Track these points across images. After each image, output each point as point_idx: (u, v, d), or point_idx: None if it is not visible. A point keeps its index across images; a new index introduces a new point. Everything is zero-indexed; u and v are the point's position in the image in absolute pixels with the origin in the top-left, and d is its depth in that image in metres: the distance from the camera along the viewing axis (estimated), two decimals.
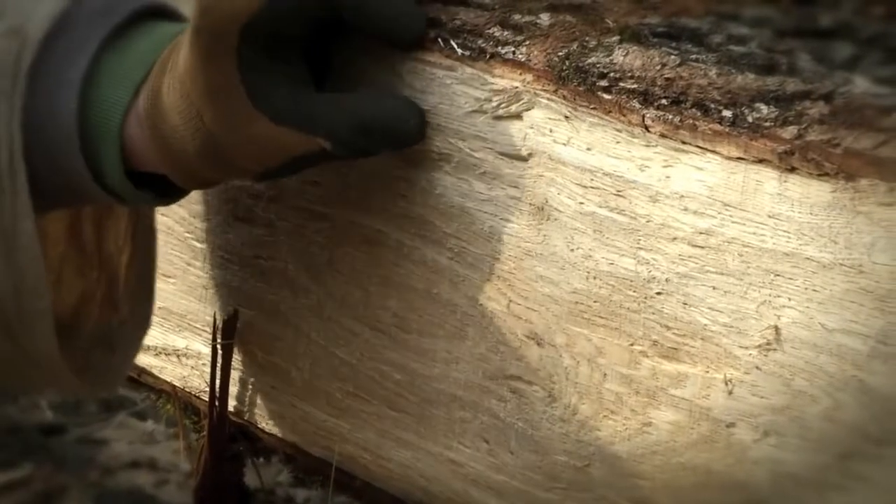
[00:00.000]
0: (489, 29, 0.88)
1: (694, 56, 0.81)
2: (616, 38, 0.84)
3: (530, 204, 0.86)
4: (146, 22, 0.91)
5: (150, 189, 0.92)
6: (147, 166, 0.90)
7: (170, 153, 0.88)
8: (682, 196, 0.80)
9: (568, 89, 0.83)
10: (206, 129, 0.86)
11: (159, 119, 0.88)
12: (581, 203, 0.84)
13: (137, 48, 0.90)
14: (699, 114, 0.79)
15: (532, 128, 0.85)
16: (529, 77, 0.85)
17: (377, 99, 0.88)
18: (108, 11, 0.89)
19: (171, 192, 0.93)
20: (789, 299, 0.76)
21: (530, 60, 0.85)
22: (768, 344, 0.77)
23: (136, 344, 1.04)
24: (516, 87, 0.86)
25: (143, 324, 1.04)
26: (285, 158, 0.87)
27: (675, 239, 0.80)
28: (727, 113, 0.78)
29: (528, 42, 0.86)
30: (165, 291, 1.07)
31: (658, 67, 0.81)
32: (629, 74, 0.81)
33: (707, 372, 0.80)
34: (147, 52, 0.90)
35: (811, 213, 0.75)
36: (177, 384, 1.09)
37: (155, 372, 1.10)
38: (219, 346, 1.03)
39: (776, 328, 0.77)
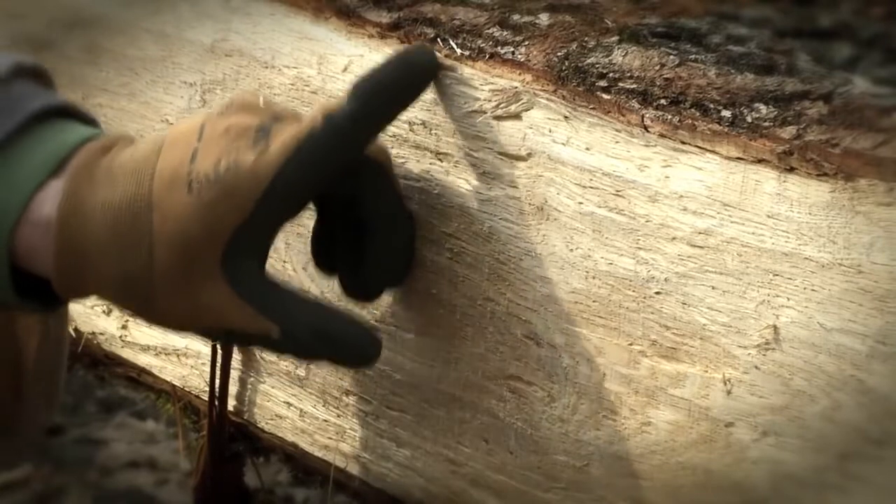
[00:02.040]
0: (488, 29, 0.88)
1: (693, 56, 0.81)
2: (615, 38, 0.84)
3: (529, 204, 0.86)
4: (49, 123, 0.87)
5: (34, 292, 0.88)
6: (36, 270, 0.86)
7: (77, 266, 0.85)
8: (682, 196, 0.80)
9: (567, 89, 0.83)
10: (150, 265, 0.83)
11: (79, 229, 0.84)
12: (580, 203, 0.84)
13: (38, 152, 0.86)
14: (698, 114, 0.79)
15: (531, 128, 0.85)
16: (529, 77, 0.85)
17: (341, 314, 0.87)
18: (6, 112, 0.86)
19: (54, 298, 0.89)
20: (788, 299, 0.76)
21: (529, 60, 0.85)
22: (767, 343, 0.77)
23: (38, 429, 1.04)
24: (516, 87, 0.86)
25: (49, 408, 1.04)
26: (222, 329, 0.85)
27: (674, 239, 0.80)
28: (726, 113, 0.78)
29: (527, 42, 0.86)
30: None
31: (657, 67, 0.81)
32: (628, 74, 0.82)
33: (706, 371, 0.80)
34: (48, 158, 0.85)
35: (810, 213, 0.75)
36: (176, 384, 1.09)
37: (155, 371, 1.10)
38: (218, 346, 1.03)
39: (775, 328, 0.77)
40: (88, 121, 0.90)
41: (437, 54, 0.88)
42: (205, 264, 0.82)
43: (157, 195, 0.83)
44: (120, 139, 0.87)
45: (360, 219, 0.88)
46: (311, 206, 0.89)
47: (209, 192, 0.82)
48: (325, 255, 0.91)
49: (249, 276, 0.83)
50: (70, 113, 0.89)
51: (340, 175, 0.85)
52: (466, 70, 0.88)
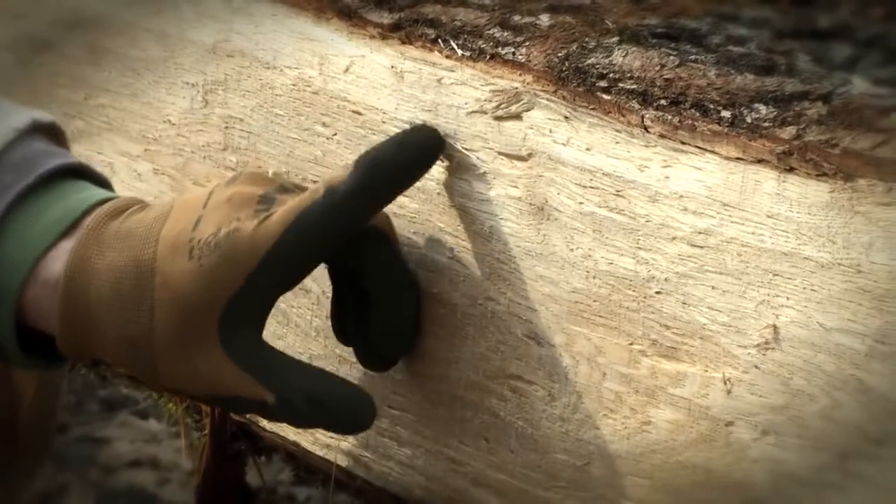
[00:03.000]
0: (489, 30, 0.88)
1: (693, 57, 0.81)
2: (615, 38, 0.84)
3: (530, 204, 0.86)
4: (62, 182, 0.88)
5: (38, 350, 0.89)
6: (42, 329, 0.87)
7: (81, 327, 0.85)
8: (682, 196, 0.80)
9: (567, 90, 0.84)
10: (151, 329, 0.83)
11: (85, 290, 0.85)
12: (581, 203, 0.84)
13: (50, 212, 0.87)
14: (698, 114, 0.79)
15: (532, 128, 0.85)
16: (529, 78, 0.85)
17: (335, 380, 0.87)
18: (21, 169, 0.87)
19: (58, 357, 0.89)
20: (788, 299, 0.76)
21: (530, 61, 0.85)
22: (767, 343, 0.77)
23: (32, 476, 1.04)
24: (516, 88, 0.86)
25: (40, 460, 1.04)
26: (218, 395, 0.85)
27: (674, 239, 0.80)
28: (726, 113, 0.78)
29: (527, 43, 0.86)
30: None
31: (657, 68, 0.81)
32: (628, 75, 0.82)
33: (706, 371, 0.80)
34: (60, 219, 0.86)
35: (809, 213, 0.75)
36: None
37: None
38: None
39: (775, 327, 0.77)
40: (101, 181, 0.91)
41: (441, 136, 0.88)
42: (202, 330, 0.83)
43: (160, 260, 0.84)
44: (132, 203, 0.88)
45: (365, 289, 0.88)
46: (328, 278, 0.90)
47: (208, 258, 0.83)
48: (340, 327, 0.92)
49: (246, 343, 0.84)
50: (83, 173, 0.90)
51: (342, 245, 0.86)
52: (467, 70, 0.88)
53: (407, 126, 0.90)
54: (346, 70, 0.94)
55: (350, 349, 0.93)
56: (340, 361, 0.96)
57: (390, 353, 0.91)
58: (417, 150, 0.87)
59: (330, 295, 0.95)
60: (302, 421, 0.86)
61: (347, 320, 0.91)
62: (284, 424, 1.02)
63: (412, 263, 0.91)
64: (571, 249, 0.84)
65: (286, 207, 0.84)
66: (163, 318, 0.83)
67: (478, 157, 0.88)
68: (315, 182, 0.96)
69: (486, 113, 0.87)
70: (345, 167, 0.85)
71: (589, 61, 0.83)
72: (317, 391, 0.85)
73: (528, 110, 0.86)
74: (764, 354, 0.77)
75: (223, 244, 0.83)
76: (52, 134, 0.91)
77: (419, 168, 0.87)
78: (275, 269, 0.83)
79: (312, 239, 0.83)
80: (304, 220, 0.83)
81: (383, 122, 0.92)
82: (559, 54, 0.84)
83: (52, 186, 0.88)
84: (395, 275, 0.89)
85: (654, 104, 0.80)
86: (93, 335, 0.85)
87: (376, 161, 0.85)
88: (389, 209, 0.89)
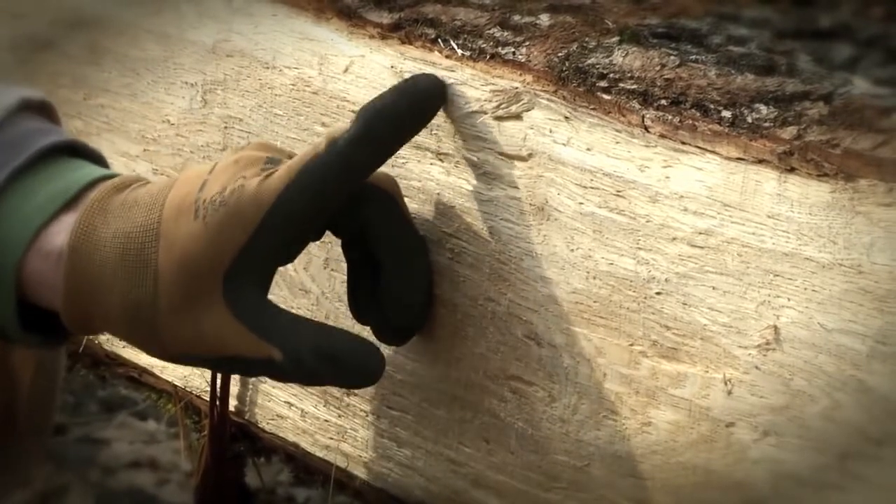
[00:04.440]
0: (489, 30, 0.88)
1: (693, 57, 0.81)
2: (616, 38, 0.84)
3: (530, 204, 0.86)
4: (57, 160, 0.88)
5: (38, 328, 0.88)
6: (43, 302, 0.87)
7: (85, 296, 0.85)
8: (682, 196, 0.80)
9: (568, 90, 0.84)
10: (154, 293, 0.83)
11: (90, 259, 0.84)
12: (581, 203, 0.84)
13: (47, 188, 0.86)
14: (699, 114, 0.79)
15: (532, 128, 0.85)
16: (529, 77, 0.85)
17: (343, 333, 0.86)
18: (14, 148, 0.86)
19: (59, 333, 0.89)
20: (788, 299, 0.76)
21: (530, 61, 0.85)
22: (767, 344, 0.77)
23: (30, 464, 1.04)
24: (516, 88, 0.86)
25: (43, 440, 1.04)
26: (223, 355, 0.84)
27: (674, 239, 0.80)
28: (727, 113, 0.78)
29: (528, 43, 0.86)
30: None
31: (658, 68, 0.81)
32: (629, 75, 0.82)
33: (706, 372, 0.80)
34: (58, 193, 0.86)
35: (810, 214, 0.75)
36: (178, 384, 1.10)
37: (156, 372, 1.10)
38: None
39: (775, 328, 0.77)
40: (96, 157, 0.91)
41: (445, 81, 0.88)
42: (207, 288, 0.83)
43: (164, 223, 0.84)
44: (137, 178, 0.88)
45: (374, 255, 0.88)
46: (342, 257, 0.89)
47: (213, 216, 0.82)
48: (355, 304, 0.91)
49: (251, 301, 0.83)
50: (78, 150, 0.90)
51: (347, 203, 0.85)
52: (467, 70, 0.88)
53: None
54: (346, 70, 0.94)
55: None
56: None
57: (404, 322, 0.89)
58: (419, 97, 0.86)
59: (329, 296, 0.94)
60: (311, 377, 0.86)
61: (361, 295, 0.90)
62: (285, 424, 1.02)
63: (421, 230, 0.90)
64: (572, 250, 0.84)
65: (289, 163, 0.83)
66: (167, 278, 0.83)
67: (478, 157, 0.88)
68: None
69: (486, 113, 0.87)
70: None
71: (589, 61, 0.83)
72: (326, 345, 0.84)
73: (528, 110, 0.85)
74: (765, 355, 0.77)
75: (228, 201, 0.82)
76: (44, 111, 0.91)
77: (422, 115, 0.87)
78: (280, 224, 0.83)
79: (316, 191, 0.83)
80: (307, 173, 0.82)
81: None
82: (559, 54, 0.84)
83: (47, 164, 0.87)
84: (404, 237, 0.88)
85: (655, 104, 0.80)
86: (97, 304, 0.85)
87: (378, 110, 0.84)
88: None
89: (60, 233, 0.85)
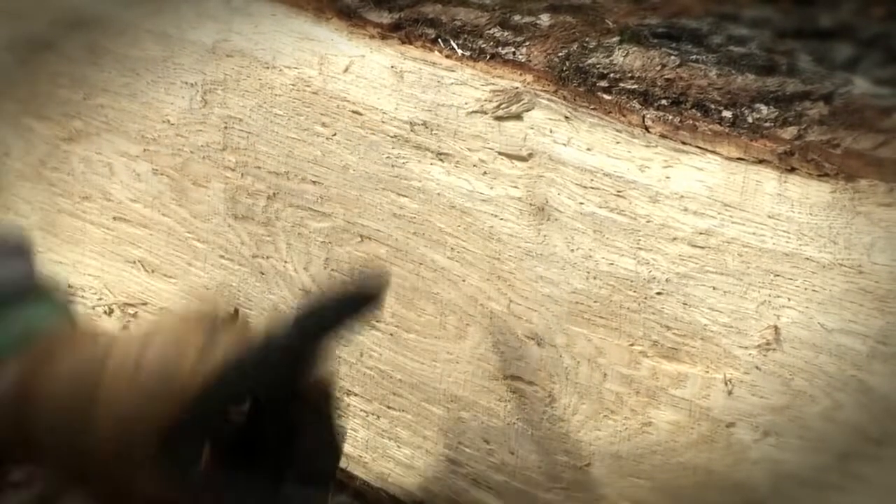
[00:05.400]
0: (489, 30, 0.88)
1: (694, 57, 0.81)
2: (616, 38, 0.84)
3: (530, 204, 0.86)
4: None
5: None
6: None
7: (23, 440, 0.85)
8: (682, 196, 0.80)
9: (568, 90, 0.84)
10: (94, 445, 0.83)
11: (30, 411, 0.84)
12: (581, 203, 0.84)
13: None
14: (699, 114, 0.79)
15: (532, 128, 0.85)
16: (530, 77, 0.85)
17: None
18: None
19: None
20: (789, 299, 0.76)
21: (530, 61, 0.85)
22: (768, 344, 0.77)
23: None
24: (516, 88, 0.86)
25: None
26: None
27: (675, 239, 0.80)
28: (727, 113, 0.78)
29: (528, 43, 0.86)
30: (166, 291, 1.08)
31: (658, 68, 0.81)
32: (629, 75, 0.82)
33: (707, 372, 0.80)
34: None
35: (811, 214, 0.75)
36: None
37: None
38: None
39: (776, 328, 0.77)
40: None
41: (384, 282, 0.83)
42: (140, 452, 0.82)
43: (107, 377, 0.83)
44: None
45: (288, 445, 0.85)
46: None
47: (149, 381, 0.82)
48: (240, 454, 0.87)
49: (185, 468, 0.82)
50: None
51: (278, 397, 0.83)
52: (467, 70, 0.88)
53: (407, 125, 0.90)
54: (346, 70, 0.94)
55: (349, 353, 0.93)
56: (340, 362, 0.96)
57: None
58: (356, 304, 0.83)
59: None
60: None
61: (254, 457, 0.86)
62: None
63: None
64: (572, 250, 0.84)
65: (220, 355, 0.82)
66: (104, 435, 0.83)
67: (478, 158, 0.88)
68: (315, 183, 0.96)
69: (486, 113, 0.87)
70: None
71: (589, 61, 0.83)
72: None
73: (528, 110, 0.85)
74: (765, 355, 0.77)
75: (164, 372, 0.82)
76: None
77: (354, 319, 0.84)
78: (203, 411, 0.82)
79: (239, 390, 0.82)
80: (235, 371, 0.82)
81: (383, 122, 0.92)
82: (560, 54, 0.84)
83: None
84: (320, 446, 0.85)
85: (655, 104, 0.80)
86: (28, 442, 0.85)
87: (317, 324, 0.82)
88: (390, 209, 0.89)
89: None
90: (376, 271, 0.88)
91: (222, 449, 0.86)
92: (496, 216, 0.87)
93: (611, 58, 0.83)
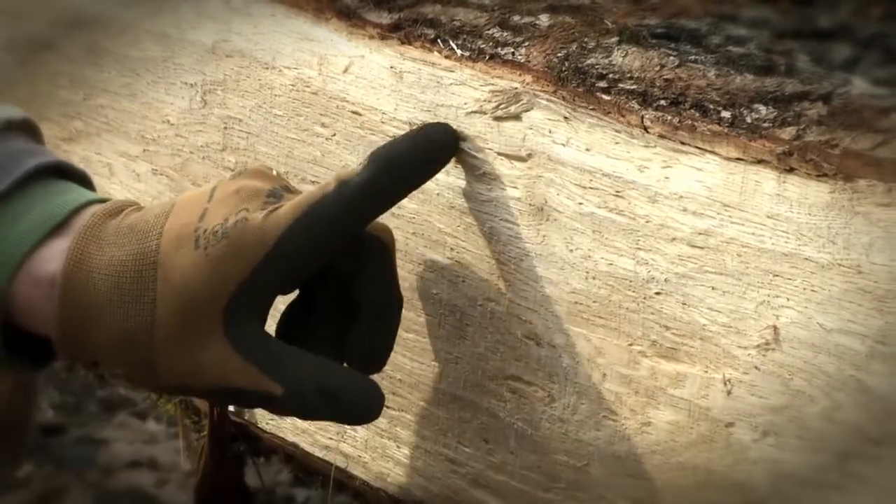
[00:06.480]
0: (489, 30, 0.88)
1: (693, 57, 0.81)
2: (615, 39, 0.84)
3: (530, 204, 0.86)
4: (43, 182, 0.87)
5: (21, 351, 0.87)
6: (32, 328, 0.86)
7: (79, 323, 0.83)
8: (681, 196, 0.80)
9: (567, 90, 0.84)
10: (151, 321, 0.82)
11: (84, 286, 0.83)
12: (580, 203, 0.84)
13: (33, 212, 0.85)
14: (698, 114, 0.79)
15: (531, 128, 0.85)
16: (529, 78, 0.85)
17: (343, 370, 0.85)
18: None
19: (43, 357, 0.88)
20: (788, 299, 0.76)
21: (530, 61, 0.85)
22: (767, 344, 0.77)
23: (8, 475, 1.03)
24: (516, 88, 0.86)
25: (17, 457, 1.03)
26: (221, 388, 0.83)
27: (674, 239, 0.80)
28: (726, 114, 0.78)
29: (527, 43, 0.86)
30: None
31: (657, 68, 0.81)
32: (628, 75, 0.82)
33: (706, 372, 0.80)
34: (46, 218, 0.85)
35: (810, 214, 0.75)
36: None
37: None
38: None
39: (775, 328, 0.77)
40: (82, 178, 0.90)
41: (457, 131, 0.87)
42: (206, 321, 0.81)
43: (163, 252, 0.82)
44: (130, 203, 0.87)
45: (353, 300, 0.86)
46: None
47: (215, 247, 0.81)
48: (295, 333, 0.87)
49: (251, 335, 0.82)
50: (64, 171, 0.89)
51: (345, 247, 0.84)
52: (467, 71, 0.88)
53: (406, 126, 0.90)
54: (346, 70, 0.94)
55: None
56: None
57: (364, 370, 0.87)
58: (431, 147, 0.86)
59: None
60: (310, 413, 0.85)
61: (312, 330, 0.87)
62: (284, 425, 1.02)
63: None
64: (571, 250, 0.84)
65: (295, 201, 0.82)
66: (165, 310, 0.82)
67: (477, 158, 0.88)
68: (315, 183, 0.96)
69: (485, 113, 0.87)
70: (341, 167, 0.84)
71: (588, 61, 0.83)
72: (327, 382, 0.82)
73: (527, 111, 0.85)
74: (764, 355, 0.77)
75: (231, 233, 0.81)
76: (27, 130, 0.90)
77: (432, 166, 0.86)
78: (282, 261, 0.82)
79: (320, 233, 0.82)
80: (314, 213, 0.82)
81: (382, 122, 0.92)
82: (559, 54, 0.84)
83: (33, 186, 0.86)
84: (390, 291, 0.87)
85: (654, 104, 0.80)
86: (90, 333, 0.83)
87: (391, 158, 0.84)
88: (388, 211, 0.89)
89: (51, 259, 0.84)
90: (445, 125, 0.88)
91: (283, 319, 0.86)
92: (495, 216, 0.87)
93: (610, 58, 0.83)
